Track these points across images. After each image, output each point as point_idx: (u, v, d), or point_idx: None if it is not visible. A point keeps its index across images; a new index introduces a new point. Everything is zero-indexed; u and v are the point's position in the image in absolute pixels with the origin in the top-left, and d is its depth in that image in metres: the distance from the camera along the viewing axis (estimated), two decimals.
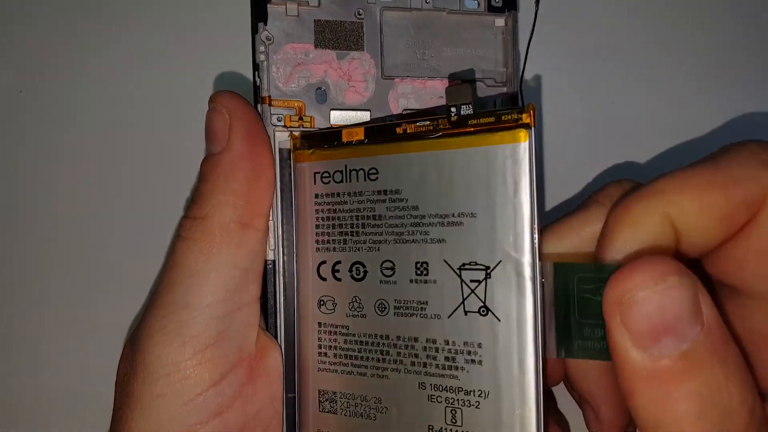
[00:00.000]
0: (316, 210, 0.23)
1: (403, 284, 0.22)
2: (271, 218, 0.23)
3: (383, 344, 0.22)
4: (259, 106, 0.23)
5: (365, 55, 0.24)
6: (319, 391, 0.23)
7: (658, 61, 0.31)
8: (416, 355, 0.22)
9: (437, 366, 0.21)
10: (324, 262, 0.23)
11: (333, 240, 0.23)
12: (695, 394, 0.16)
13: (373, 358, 0.22)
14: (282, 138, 0.24)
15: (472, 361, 0.21)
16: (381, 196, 0.22)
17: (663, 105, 0.31)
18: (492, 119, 0.20)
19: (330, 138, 0.23)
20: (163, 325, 0.21)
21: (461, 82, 0.24)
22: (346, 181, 0.22)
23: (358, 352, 0.23)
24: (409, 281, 0.22)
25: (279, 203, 0.23)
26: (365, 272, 0.22)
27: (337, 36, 0.24)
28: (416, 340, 0.22)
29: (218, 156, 0.22)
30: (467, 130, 0.21)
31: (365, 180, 0.22)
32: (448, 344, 0.21)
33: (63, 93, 0.30)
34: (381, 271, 0.22)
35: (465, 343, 0.21)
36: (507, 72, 0.25)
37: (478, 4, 0.25)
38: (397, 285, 0.22)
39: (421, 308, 0.22)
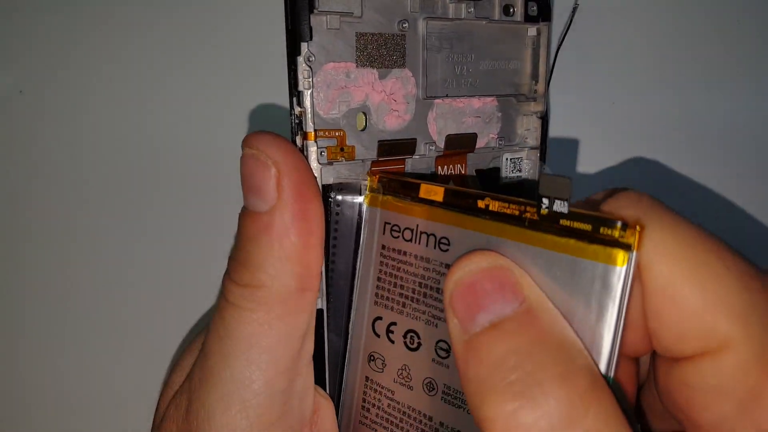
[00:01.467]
0: (381, 262, 0.21)
1: (456, 372, 0.19)
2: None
3: (426, 424, 0.21)
4: (305, 141, 0.20)
5: (406, 73, 0.22)
6: None
7: (658, 60, 0.32)
8: None
9: None
10: (380, 318, 0.21)
11: (392, 299, 0.21)
12: (506, 353, 0.16)
13: None
14: (327, 174, 0.21)
15: None
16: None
17: (664, 104, 0.32)
18: (588, 227, 0.17)
19: (408, 188, 0.20)
20: (227, 405, 0.19)
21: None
22: (415, 243, 0.20)
23: (399, 421, 0.22)
24: None
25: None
26: (419, 344, 0.21)
27: (380, 52, 0.21)
28: None
29: (268, 216, 0.19)
30: (556, 227, 0.17)
31: (435, 248, 0.20)
32: None
33: (63, 93, 0.29)
34: (435, 350, 0.20)
35: None
36: (536, 86, 0.25)
37: (513, 11, 0.23)
38: (450, 370, 0.20)
39: None
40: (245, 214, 0.19)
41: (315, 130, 0.20)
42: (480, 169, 0.24)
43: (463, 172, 0.24)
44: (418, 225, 0.20)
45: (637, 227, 0.16)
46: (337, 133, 0.21)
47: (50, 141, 0.29)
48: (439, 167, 0.23)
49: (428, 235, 0.20)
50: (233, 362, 0.19)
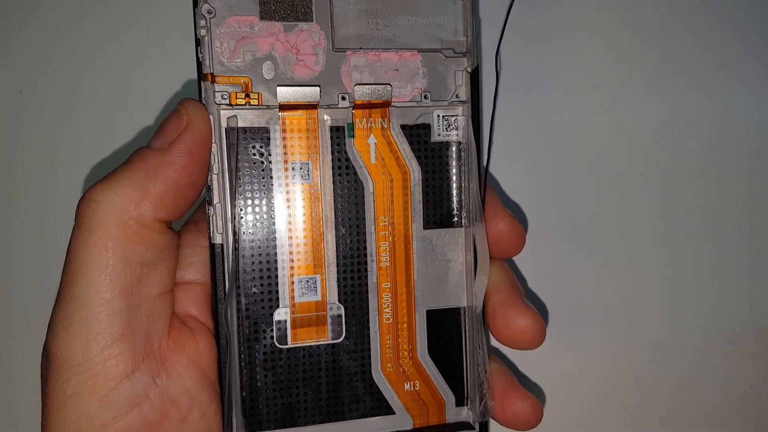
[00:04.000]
0: None
1: None
2: (217, 200, 0.22)
3: None
4: (202, 83, 0.22)
5: (315, 27, 0.23)
6: None
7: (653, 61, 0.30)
8: None
9: None
10: None
11: None
12: None
13: None
14: (228, 115, 0.23)
15: None
16: None
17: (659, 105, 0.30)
18: None
19: None
20: (67, 324, 0.20)
21: None
22: None
23: None
24: None
25: (228, 186, 0.23)
26: None
27: (283, 6, 0.23)
28: None
29: (152, 152, 0.21)
30: None
31: None
32: None
33: (63, 93, 0.30)
34: None
35: None
36: (467, 41, 0.24)
37: None
38: None
39: None
40: (138, 149, 0.21)
41: (212, 74, 0.22)
42: (405, 125, 0.24)
43: (386, 126, 0.24)
44: None
45: None
46: (242, 80, 0.23)
47: (50, 141, 0.30)
48: (358, 120, 0.24)
49: None
50: (75, 285, 0.20)
